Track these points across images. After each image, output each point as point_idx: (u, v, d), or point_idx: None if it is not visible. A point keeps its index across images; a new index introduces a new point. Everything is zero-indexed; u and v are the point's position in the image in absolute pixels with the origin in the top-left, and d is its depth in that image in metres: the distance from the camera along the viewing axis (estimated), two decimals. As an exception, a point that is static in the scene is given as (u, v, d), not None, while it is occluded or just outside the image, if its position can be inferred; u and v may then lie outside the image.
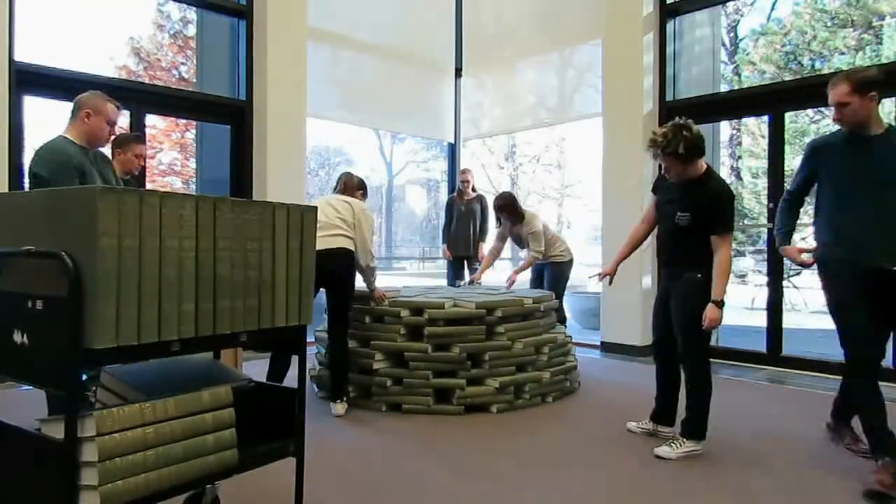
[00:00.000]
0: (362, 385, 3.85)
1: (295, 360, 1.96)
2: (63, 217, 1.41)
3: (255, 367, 3.50)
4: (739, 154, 18.01)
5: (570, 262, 5.37)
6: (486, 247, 6.12)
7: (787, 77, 14.59)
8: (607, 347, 5.86)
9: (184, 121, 10.12)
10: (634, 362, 5.39)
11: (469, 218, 6.26)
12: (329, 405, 3.85)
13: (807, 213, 3.26)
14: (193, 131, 8.23)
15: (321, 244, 3.52)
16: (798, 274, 13.60)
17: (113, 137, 3.38)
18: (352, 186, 4.03)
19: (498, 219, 5.33)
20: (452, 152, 7.93)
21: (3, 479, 1.53)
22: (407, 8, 7.34)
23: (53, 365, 1.38)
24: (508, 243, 5.61)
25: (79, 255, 1.35)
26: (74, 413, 1.36)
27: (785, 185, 5.45)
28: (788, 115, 5.73)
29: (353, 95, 6.94)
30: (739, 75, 16.61)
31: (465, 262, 6.30)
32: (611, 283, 3.60)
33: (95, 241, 1.34)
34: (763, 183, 14.37)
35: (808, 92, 5.39)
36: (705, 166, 3.07)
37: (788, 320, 5.62)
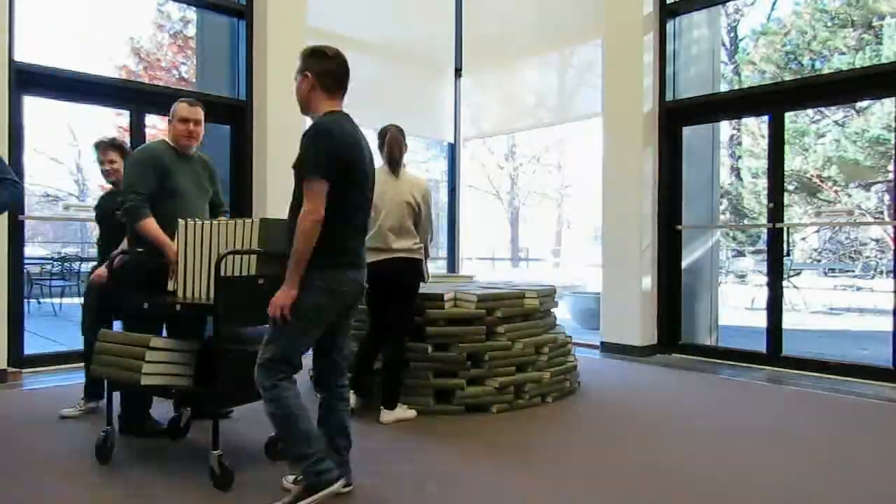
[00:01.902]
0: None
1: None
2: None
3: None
4: (739, 154, 18.02)
5: None
6: None
7: (787, 77, 14.58)
8: (607, 347, 5.86)
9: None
10: (634, 362, 5.40)
11: None
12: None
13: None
14: (193, 131, 8.28)
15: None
16: (798, 274, 13.62)
17: None
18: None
19: None
20: (452, 152, 7.93)
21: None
22: (407, 8, 7.34)
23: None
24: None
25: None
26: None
27: (785, 184, 5.46)
28: (788, 115, 5.74)
29: (352, 95, 6.89)
30: (739, 75, 16.62)
31: None
32: None
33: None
34: (763, 183, 14.38)
35: (808, 92, 5.40)
36: None
37: (788, 320, 5.62)
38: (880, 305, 10.41)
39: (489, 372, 3.79)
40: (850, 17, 14.65)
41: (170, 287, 2.88)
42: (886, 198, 16.41)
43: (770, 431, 3.43)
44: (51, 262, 11.04)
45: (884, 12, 13.88)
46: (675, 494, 2.56)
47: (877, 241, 18.12)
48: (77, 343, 4.79)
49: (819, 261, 19.24)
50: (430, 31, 7.55)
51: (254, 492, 2.52)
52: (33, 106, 4.95)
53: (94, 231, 18.04)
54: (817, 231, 19.34)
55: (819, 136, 15.78)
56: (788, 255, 5.57)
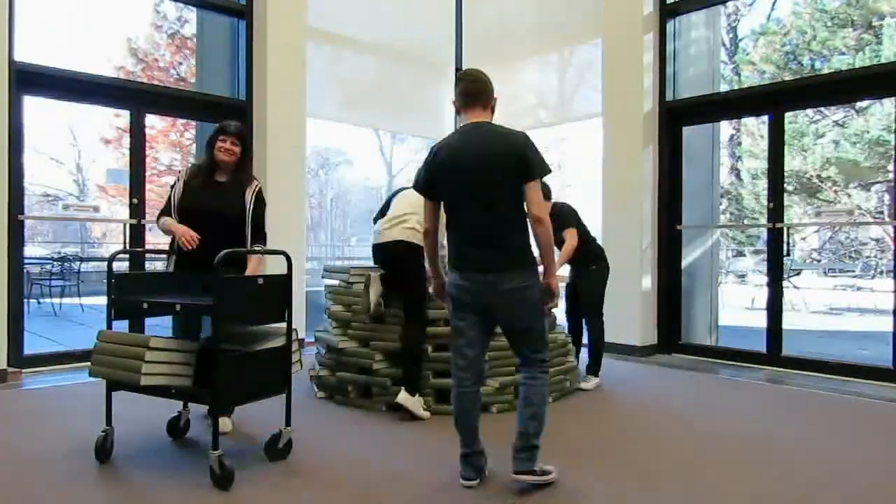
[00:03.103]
0: (362, 385, 3.85)
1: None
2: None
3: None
4: (739, 154, 18.02)
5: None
6: None
7: (787, 77, 14.58)
8: (607, 347, 5.81)
9: (182, 121, 10.12)
10: (634, 362, 5.39)
11: None
12: (330, 406, 3.87)
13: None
14: (192, 132, 8.22)
15: (382, 237, 3.68)
16: (798, 274, 13.63)
17: None
18: None
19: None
20: (452, 152, 7.92)
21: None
22: (407, 8, 7.34)
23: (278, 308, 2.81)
24: None
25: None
26: (290, 328, 2.86)
27: (785, 184, 5.46)
28: (788, 115, 5.74)
29: (352, 95, 6.94)
30: (739, 75, 16.61)
31: None
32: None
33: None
34: (763, 183, 14.37)
35: (808, 92, 5.40)
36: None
37: (788, 320, 5.62)
38: (880, 305, 10.42)
39: (489, 372, 3.79)
40: (850, 18, 14.64)
41: None
42: (886, 198, 16.41)
43: (770, 432, 3.43)
44: (51, 262, 11.03)
45: (884, 12, 13.88)
46: (675, 494, 2.56)
47: (877, 241, 18.12)
48: (77, 343, 4.77)
49: (819, 261, 19.25)
50: (430, 31, 7.55)
51: (254, 491, 2.52)
52: (33, 106, 4.95)
53: (92, 231, 18.05)
54: (817, 231, 19.35)
55: (819, 137, 15.77)
56: (788, 255, 5.56)
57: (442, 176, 2.58)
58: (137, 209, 5.32)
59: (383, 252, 3.77)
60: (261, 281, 2.75)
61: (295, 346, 2.94)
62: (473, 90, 2.67)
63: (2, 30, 4.49)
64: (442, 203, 2.64)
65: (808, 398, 4.23)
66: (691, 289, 6.03)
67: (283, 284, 2.83)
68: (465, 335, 2.60)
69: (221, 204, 3.21)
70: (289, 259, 2.88)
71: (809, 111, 14.92)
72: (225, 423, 3.25)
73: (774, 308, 5.29)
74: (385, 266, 3.83)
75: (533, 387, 2.61)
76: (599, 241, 4.80)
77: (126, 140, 6.11)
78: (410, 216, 3.68)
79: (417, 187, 2.70)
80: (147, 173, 5.66)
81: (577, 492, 2.59)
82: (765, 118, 5.54)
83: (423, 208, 3.38)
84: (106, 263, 2.96)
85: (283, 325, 2.87)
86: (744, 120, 14.98)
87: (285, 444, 2.89)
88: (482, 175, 2.49)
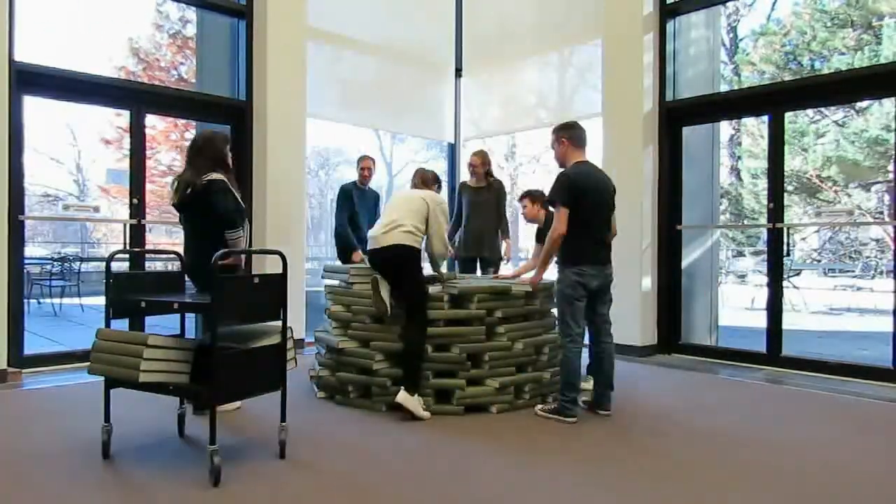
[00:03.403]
0: (362, 385, 3.85)
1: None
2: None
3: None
4: (739, 154, 18.01)
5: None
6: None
7: (787, 77, 14.58)
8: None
9: (183, 121, 10.12)
10: (634, 362, 5.39)
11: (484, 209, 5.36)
12: (330, 406, 3.87)
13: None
14: (193, 132, 8.21)
15: (378, 242, 3.79)
16: (798, 274, 13.62)
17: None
18: (427, 180, 4.16)
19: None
20: (452, 152, 7.93)
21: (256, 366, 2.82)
22: (407, 8, 7.34)
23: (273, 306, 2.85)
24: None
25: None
26: (285, 326, 2.91)
27: (785, 184, 5.46)
28: (788, 115, 5.74)
29: (353, 95, 6.93)
30: (739, 75, 16.61)
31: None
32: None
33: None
34: (763, 183, 14.37)
35: (808, 92, 5.40)
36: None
37: (788, 320, 5.62)
38: (880, 305, 10.42)
39: (489, 372, 3.79)
40: (850, 18, 14.64)
41: None
42: (886, 198, 16.40)
43: (770, 432, 3.43)
44: (51, 262, 11.02)
45: (883, 12, 13.88)
46: (675, 494, 2.56)
47: (877, 241, 18.11)
48: (77, 343, 4.76)
49: (819, 261, 19.24)
50: (430, 31, 7.55)
51: (253, 487, 2.52)
52: (33, 106, 4.95)
53: (96, 230, 18.05)
54: (817, 231, 19.34)
55: (819, 136, 15.77)
56: (788, 255, 5.56)
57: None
58: (138, 209, 5.32)
59: (382, 256, 3.80)
60: (256, 280, 2.77)
61: (290, 343, 2.96)
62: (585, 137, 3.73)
63: (2, 30, 4.49)
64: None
65: (807, 398, 4.23)
66: (691, 289, 6.03)
67: (278, 283, 2.86)
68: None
69: None
70: (284, 259, 2.92)
71: (809, 111, 14.93)
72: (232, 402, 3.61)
73: (774, 308, 5.29)
74: (384, 270, 3.84)
75: (610, 344, 3.75)
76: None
77: (126, 140, 6.10)
78: (404, 221, 3.77)
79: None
80: (147, 173, 5.66)
81: (578, 492, 2.59)
82: (765, 118, 5.54)
83: (414, 213, 3.82)
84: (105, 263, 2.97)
85: (279, 323, 2.89)
86: (744, 120, 14.98)
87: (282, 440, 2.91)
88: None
